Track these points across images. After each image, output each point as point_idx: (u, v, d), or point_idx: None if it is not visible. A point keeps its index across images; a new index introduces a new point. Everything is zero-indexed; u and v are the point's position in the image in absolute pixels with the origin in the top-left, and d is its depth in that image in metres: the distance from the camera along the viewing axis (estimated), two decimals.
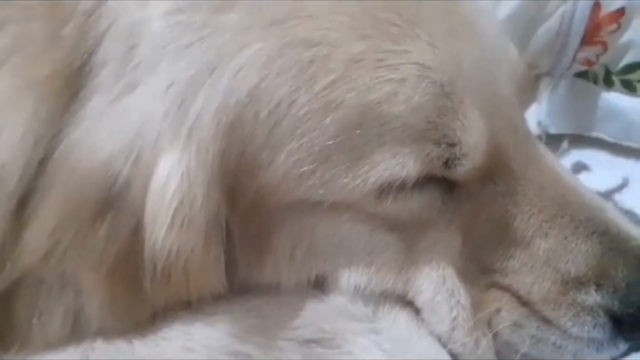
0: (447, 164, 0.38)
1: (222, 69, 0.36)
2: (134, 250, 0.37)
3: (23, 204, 0.37)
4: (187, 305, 0.40)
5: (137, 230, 0.37)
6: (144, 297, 0.38)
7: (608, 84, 0.61)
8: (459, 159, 0.38)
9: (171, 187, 0.36)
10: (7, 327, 0.38)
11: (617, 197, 0.59)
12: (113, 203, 0.36)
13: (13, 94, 0.36)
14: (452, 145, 0.38)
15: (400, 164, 0.37)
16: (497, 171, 0.41)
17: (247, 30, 0.36)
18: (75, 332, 0.39)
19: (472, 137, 0.38)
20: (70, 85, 0.37)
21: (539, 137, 0.63)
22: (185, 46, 0.36)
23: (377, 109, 0.36)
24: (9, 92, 0.36)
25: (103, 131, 0.37)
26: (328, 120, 0.36)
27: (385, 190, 0.38)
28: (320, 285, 0.42)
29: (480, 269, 0.42)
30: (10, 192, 0.36)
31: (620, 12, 0.57)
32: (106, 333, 0.39)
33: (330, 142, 0.36)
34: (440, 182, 0.40)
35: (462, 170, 0.39)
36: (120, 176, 0.36)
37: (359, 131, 0.36)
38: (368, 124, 0.36)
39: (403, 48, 0.36)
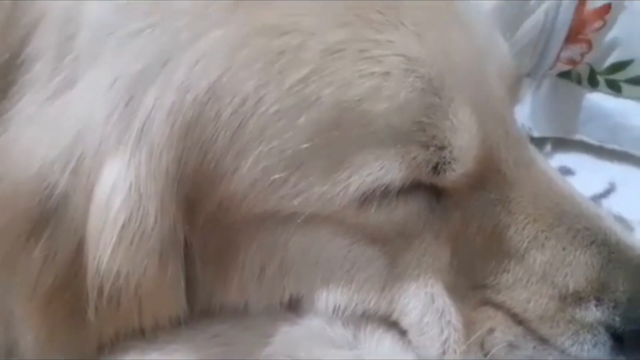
0: (435, 169, 0.36)
1: (177, 61, 0.33)
2: (75, 274, 0.34)
3: None
4: (139, 334, 0.36)
5: (78, 251, 0.33)
6: (89, 327, 0.35)
7: (592, 84, 0.61)
8: (448, 163, 0.35)
9: (117, 199, 0.32)
10: None
11: (604, 202, 0.59)
12: (49, 219, 0.33)
13: None
14: (441, 148, 0.35)
15: (384, 167, 0.34)
16: (488, 177, 0.38)
17: (205, 15, 0.33)
18: None
19: (464, 140, 0.35)
20: None
21: None
22: (132, 34, 0.33)
23: (357, 107, 0.33)
24: None
25: (36, 135, 0.33)
26: (302, 119, 0.33)
27: (367, 198, 0.35)
28: (293, 307, 0.39)
29: (471, 284, 0.40)
30: None
31: (606, 8, 0.56)
32: None
33: (304, 146, 0.33)
34: (428, 189, 0.37)
35: (452, 176, 0.36)
36: (57, 187, 0.33)
37: (337, 132, 0.33)
38: (348, 124, 0.33)
39: (387, 38, 0.33)
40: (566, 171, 0.61)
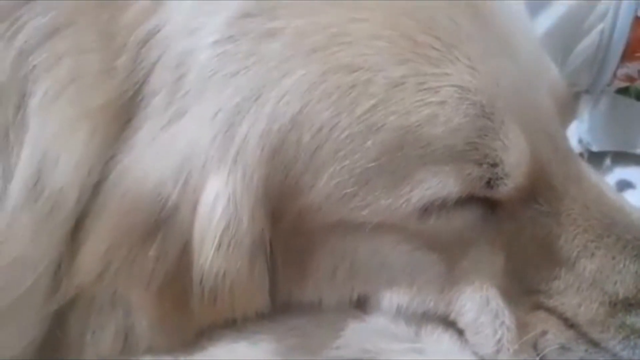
0: (489, 183, 0.38)
1: (266, 96, 0.37)
2: (182, 271, 0.38)
3: (78, 227, 0.38)
4: (231, 323, 0.40)
5: (185, 252, 0.38)
6: (191, 316, 0.39)
7: None
8: (501, 178, 0.38)
9: (218, 210, 0.37)
10: (63, 343, 0.39)
11: None
12: (162, 226, 0.38)
13: (69, 123, 0.38)
14: (493, 165, 0.38)
15: (441, 182, 0.37)
16: (539, 190, 0.40)
17: (290, 58, 0.37)
18: (126, 349, 0.40)
19: (514, 157, 0.38)
20: (123, 114, 0.39)
21: (581, 155, 0.62)
22: (231, 75, 0.37)
23: (417, 131, 0.36)
24: (65, 122, 0.38)
25: (153, 157, 0.38)
26: (369, 143, 0.36)
27: (427, 210, 0.38)
28: (361, 305, 0.42)
29: (524, 289, 0.41)
30: (67, 214, 0.38)
31: None
32: (155, 350, 0.40)
33: (371, 165, 0.37)
34: (483, 202, 0.40)
35: (505, 189, 0.39)
36: (169, 200, 0.37)
37: (400, 153, 0.37)
38: (409, 146, 0.37)
39: (442, 71, 0.36)
40: (626, 185, 0.61)
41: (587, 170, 0.44)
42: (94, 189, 0.38)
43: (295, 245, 0.40)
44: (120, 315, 0.39)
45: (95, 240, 0.38)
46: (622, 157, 0.63)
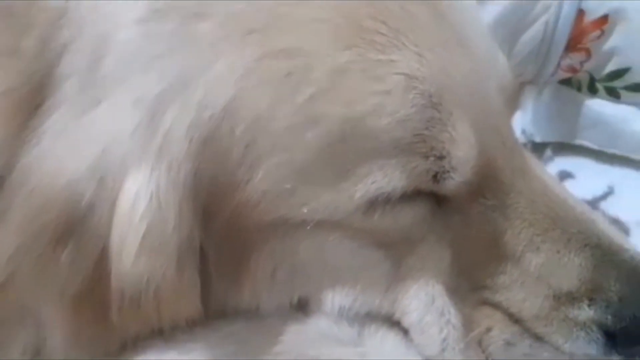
0: (435, 177, 0.37)
1: (195, 82, 0.34)
2: (100, 278, 0.35)
3: None
4: (159, 333, 0.37)
5: (103, 257, 0.35)
6: (112, 326, 0.36)
7: (592, 91, 0.61)
8: (447, 172, 0.37)
9: (139, 208, 0.34)
10: None
11: (603, 205, 0.60)
12: (76, 227, 0.34)
13: None
14: (440, 158, 0.36)
15: (387, 176, 0.35)
16: (486, 185, 0.40)
17: (221, 40, 0.34)
18: None
19: (462, 150, 0.37)
20: (30, 100, 0.35)
21: (524, 146, 0.63)
22: (154, 58, 0.34)
23: (361, 123, 0.34)
24: None
25: (64, 149, 0.34)
26: (310, 135, 0.34)
27: (372, 205, 0.36)
28: (302, 307, 0.40)
29: (470, 285, 0.41)
30: None
31: (604, 19, 0.57)
32: None
33: (312, 158, 0.35)
34: (430, 197, 0.39)
35: (452, 184, 0.38)
36: (83, 198, 0.34)
37: (342, 146, 0.35)
38: (352, 138, 0.35)
39: (389, 58, 0.34)
40: (566, 175, 0.62)
41: (533, 163, 0.44)
42: None
43: (230, 246, 0.37)
44: (29, 330, 0.36)
45: None
46: (563, 148, 0.64)
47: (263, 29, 0.34)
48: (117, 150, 0.34)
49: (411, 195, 0.37)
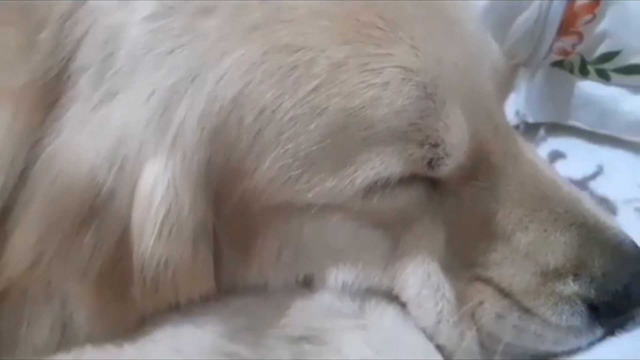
0: (430, 163, 0.39)
1: (204, 76, 0.35)
2: (121, 259, 0.37)
3: (5, 217, 0.36)
4: (175, 307, 0.40)
5: (123, 239, 0.37)
6: (132, 303, 0.38)
7: (583, 73, 0.62)
8: (442, 158, 0.39)
9: (157, 195, 0.36)
10: None
11: (592, 184, 0.60)
12: (98, 212, 0.36)
13: None
14: (435, 145, 0.38)
15: (384, 163, 0.37)
16: (479, 168, 0.42)
17: (228, 35, 0.35)
18: (65, 340, 0.39)
19: (455, 137, 0.39)
20: (48, 94, 0.36)
21: (517, 127, 0.64)
22: (165, 53, 0.36)
23: (361, 113, 0.36)
24: None
25: (84, 140, 0.36)
26: (313, 125, 0.36)
27: (371, 189, 0.38)
28: (307, 284, 0.42)
29: (463, 262, 0.43)
30: None
31: (595, 3, 0.58)
32: (95, 339, 0.39)
33: (315, 147, 0.36)
34: (425, 180, 0.41)
35: (446, 169, 0.39)
36: (104, 185, 0.36)
37: (343, 135, 0.36)
38: (352, 128, 0.36)
39: (386, 51, 0.36)
40: (558, 155, 0.62)
41: (524, 146, 0.45)
42: (21, 175, 0.36)
43: (240, 228, 0.39)
44: (56, 307, 0.38)
45: (24, 229, 0.36)
46: (556, 128, 0.64)
47: (266, 25, 0.35)
48: (134, 140, 0.36)
49: (407, 180, 0.39)
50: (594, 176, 0.61)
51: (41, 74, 0.36)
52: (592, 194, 0.56)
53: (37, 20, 0.36)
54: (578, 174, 0.60)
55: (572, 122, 0.64)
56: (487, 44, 0.44)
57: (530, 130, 0.65)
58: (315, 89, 0.35)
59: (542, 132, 0.65)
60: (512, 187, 0.42)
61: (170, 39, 0.36)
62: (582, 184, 0.60)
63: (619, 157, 0.61)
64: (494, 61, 0.45)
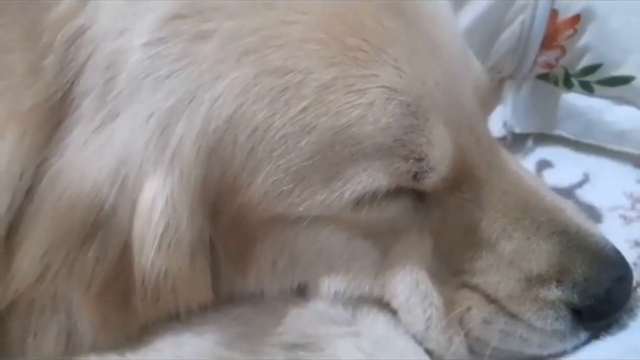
0: (415, 176, 0.40)
1: (200, 98, 0.37)
2: (123, 271, 0.39)
3: (12, 231, 0.38)
4: (175, 317, 0.41)
5: (125, 252, 0.38)
6: (134, 312, 0.40)
7: (568, 85, 0.63)
8: (426, 172, 0.40)
9: (157, 211, 0.37)
10: (3, 345, 0.39)
11: (578, 192, 0.61)
12: (101, 226, 0.38)
13: None
14: (419, 160, 0.40)
15: (371, 177, 0.39)
16: (463, 180, 0.43)
17: (222, 60, 0.37)
18: (69, 349, 0.40)
19: (439, 151, 0.40)
20: (53, 116, 0.38)
21: (505, 138, 0.66)
22: (163, 77, 0.37)
23: (348, 131, 0.38)
24: None
25: (87, 159, 0.38)
26: (303, 142, 0.38)
27: (360, 202, 0.40)
28: (301, 292, 0.44)
29: (450, 270, 0.44)
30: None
31: (576, 18, 0.60)
32: (99, 348, 0.40)
33: (306, 163, 0.38)
34: (411, 192, 0.42)
35: (430, 181, 0.41)
36: (106, 202, 0.38)
37: (332, 151, 0.38)
38: (340, 145, 0.38)
39: (371, 73, 0.38)
40: (546, 164, 0.64)
41: (507, 158, 0.47)
42: (28, 192, 0.38)
43: (236, 240, 0.41)
44: (62, 317, 0.40)
45: (32, 244, 0.38)
46: (543, 138, 0.65)
47: (258, 50, 0.37)
48: (135, 159, 0.37)
49: (394, 192, 0.41)
50: (580, 184, 0.62)
51: (46, 98, 0.38)
52: (579, 202, 0.57)
53: (42, 47, 0.38)
54: (565, 182, 0.62)
55: (558, 132, 0.65)
56: (469, 61, 0.46)
57: (518, 140, 0.67)
58: (304, 109, 0.37)
59: (530, 142, 0.67)
60: (495, 197, 0.44)
61: (168, 64, 0.38)
62: (569, 191, 0.61)
63: (604, 166, 0.62)
64: (476, 78, 0.46)
